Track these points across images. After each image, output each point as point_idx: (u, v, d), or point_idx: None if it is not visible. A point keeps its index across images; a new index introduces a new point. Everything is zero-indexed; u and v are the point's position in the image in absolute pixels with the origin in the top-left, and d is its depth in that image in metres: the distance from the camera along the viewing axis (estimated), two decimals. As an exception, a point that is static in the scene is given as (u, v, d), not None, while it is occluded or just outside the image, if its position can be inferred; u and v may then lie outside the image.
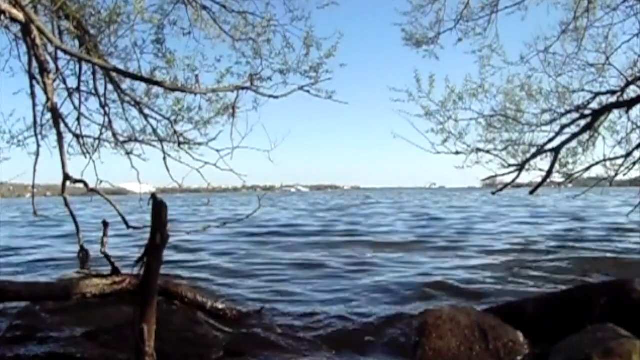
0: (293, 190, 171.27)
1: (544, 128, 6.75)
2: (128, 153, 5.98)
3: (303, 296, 6.36)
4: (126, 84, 5.71)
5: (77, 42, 5.38)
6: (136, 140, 5.99)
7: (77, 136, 5.72)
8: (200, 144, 5.72)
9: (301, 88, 4.94)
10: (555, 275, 7.38)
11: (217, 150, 5.38)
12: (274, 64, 5.16)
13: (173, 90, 4.98)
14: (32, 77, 5.03)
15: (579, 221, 17.19)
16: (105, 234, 4.48)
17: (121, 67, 5.18)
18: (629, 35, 6.51)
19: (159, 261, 3.24)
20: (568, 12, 6.62)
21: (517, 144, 6.79)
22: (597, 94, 6.66)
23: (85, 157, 5.77)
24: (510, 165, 6.67)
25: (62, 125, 5.06)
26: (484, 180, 6.96)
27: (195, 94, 5.09)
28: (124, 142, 5.99)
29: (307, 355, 4.18)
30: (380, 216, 22.14)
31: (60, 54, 5.24)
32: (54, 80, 5.09)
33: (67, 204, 5.10)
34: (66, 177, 4.90)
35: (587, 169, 6.88)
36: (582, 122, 6.46)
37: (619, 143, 6.76)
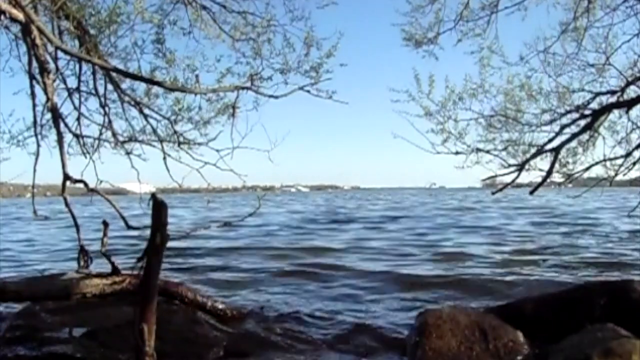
0: (293, 190, 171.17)
1: (544, 128, 6.72)
2: (128, 153, 5.96)
3: (303, 296, 6.36)
4: (126, 84, 5.69)
5: (77, 42, 5.37)
6: (136, 140, 5.96)
7: (77, 136, 5.71)
8: (200, 144, 5.71)
9: (301, 88, 4.92)
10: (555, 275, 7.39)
11: (217, 150, 5.37)
12: (274, 64, 5.13)
13: (173, 90, 4.96)
14: (32, 77, 5.01)
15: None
16: (105, 234, 4.48)
17: (121, 67, 5.16)
18: (629, 35, 6.48)
19: (159, 261, 3.24)
20: (568, 12, 6.59)
21: (517, 144, 6.76)
22: (597, 94, 6.63)
23: (85, 157, 5.74)
24: (510, 165, 6.64)
25: (62, 125, 5.03)
26: (484, 180, 6.93)
27: (195, 94, 5.08)
28: (124, 142, 5.97)
29: (307, 356, 4.19)
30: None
31: (60, 54, 5.23)
32: (54, 80, 5.07)
33: (67, 204, 5.09)
34: (66, 177, 4.88)
35: (587, 169, 6.86)
36: (582, 122, 6.43)
37: (619, 143, 6.73)
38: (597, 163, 6.76)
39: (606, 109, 6.43)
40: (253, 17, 5.55)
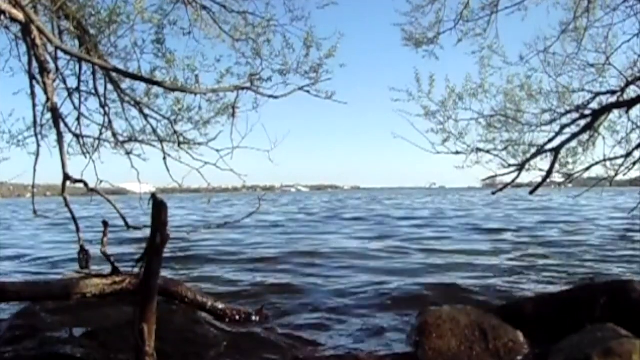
0: (293, 190, 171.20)
1: (544, 128, 6.73)
2: (128, 153, 5.96)
3: (303, 297, 6.36)
4: (126, 84, 5.69)
5: (77, 42, 5.37)
6: (136, 140, 5.96)
7: (77, 136, 5.70)
8: (200, 144, 5.71)
9: (301, 88, 4.92)
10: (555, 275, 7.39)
11: (217, 150, 5.37)
12: (273, 64, 5.13)
13: (173, 90, 4.96)
14: (32, 77, 5.01)
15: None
16: (105, 234, 4.47)
17: (121, 67, 5.16)
18: (629, 35, 6.49)
19: (159, 261, 3.24)
20: (568, 12, 6.60)
21: (517, 144, 6.77)
22: (597, 94, 6.64)
23: (85, 157, 5.74)
24: (510, 165, 6.65)
25: (62, 125, 5.03)
26: (484, 180, 6.94)
27: (195, 94, 5.08)
28: (124, 142, 5.96)
29: (307, 356, 4.18)
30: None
31: (60, 54, 5.22)
32: (54, 80, 5.06)
33: (67, 204, 5.08)
34: (66, 177, 4.88)
35: (587, 169, 6.87)
36: (582, 122, 6.44)
37: (619, 143, 6.74)
38: (597, 163, 6.78)
39: (606, 109, 6.44)
40: (253, 17, 5.56)
